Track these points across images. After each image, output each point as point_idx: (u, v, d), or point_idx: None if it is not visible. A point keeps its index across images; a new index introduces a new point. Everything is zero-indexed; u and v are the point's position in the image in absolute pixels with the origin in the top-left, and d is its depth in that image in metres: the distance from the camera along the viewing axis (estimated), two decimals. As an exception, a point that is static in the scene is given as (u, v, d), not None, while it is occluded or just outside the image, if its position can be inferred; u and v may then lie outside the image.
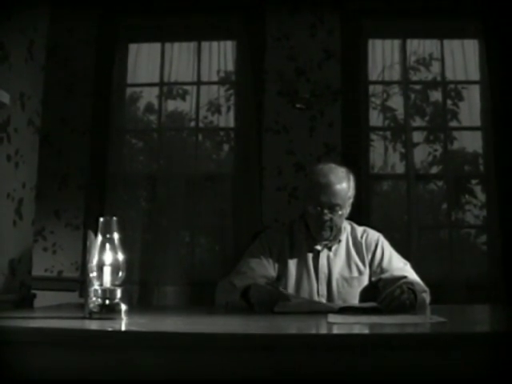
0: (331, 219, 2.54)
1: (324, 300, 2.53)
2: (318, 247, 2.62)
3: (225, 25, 4.44)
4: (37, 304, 3.26)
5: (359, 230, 2.71)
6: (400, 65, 4.35)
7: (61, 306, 2.43)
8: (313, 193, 2.55)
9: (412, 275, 2.55)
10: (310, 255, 2.62)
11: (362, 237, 2.68)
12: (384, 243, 2.67)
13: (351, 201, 2.62)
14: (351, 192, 2.60)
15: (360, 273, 2.61)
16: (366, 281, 2.60)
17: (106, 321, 1.80)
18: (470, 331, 1.77)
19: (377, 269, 2.60)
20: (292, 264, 2.61)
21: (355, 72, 4.29)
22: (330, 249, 2.63)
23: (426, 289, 2.49)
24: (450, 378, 1.51)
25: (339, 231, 2.64)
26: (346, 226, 2.70)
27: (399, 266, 2.60)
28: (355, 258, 2.63)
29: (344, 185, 2.56)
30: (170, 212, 4.36)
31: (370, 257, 2.63)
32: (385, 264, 2.60)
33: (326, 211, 2.53)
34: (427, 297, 2.47)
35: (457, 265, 4.08)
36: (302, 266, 2.60)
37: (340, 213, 2.55)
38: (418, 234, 4.15)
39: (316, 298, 2.54)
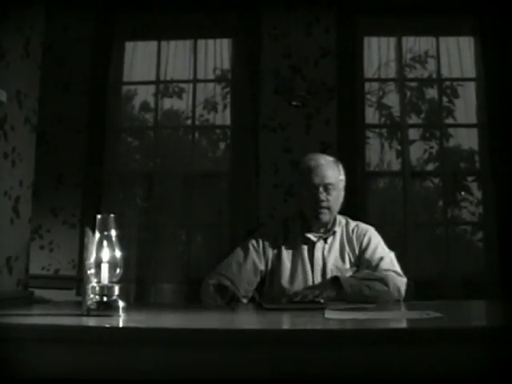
0: (327, 199, 2.61)
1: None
2: (314, 238, 2.65)
3: (221, 23, 4.42)
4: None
5: (352, 224, 2.77)
6: (396, 62, 4.35)
7: (58, 304, 2.42)
8: (305, 177, 2.64)
9: (389, 265, 2.61)
10: (305, 247, 2.66)
11: (353, 230, 2.74)
12: (372, 235, 2.72)
13: (343, 185, 2.71)
14: (342, 176, 2.71)
15: (352, 264, 2.66)
16: None
17: (104, 318, 1.80)
18: (467, 326, 1.78)
19: (362, 258, 2.66)
20: (286, 256, 2.65)
21: (351, 69, 4.30)
22: (325, 241, 2.66)
23: (388, 279, 2.52)
24: (447, 372, 1.51)
25: (335, 220, 2.70)
26: (341, 220, 2.76)
27: (379, 256, 2.64)
28: (348, 251, 2.69)
29: (334, 167, 2.68)
30: (167, 210, 4.36)
31: (358, 248, 2.69)
32: (367, 254, 2.66)
33: (321, 190, 2.60)
34: (381, 286, 2.49)
35: (453, 261, 4.09)
36: (297, 257, 2.64)
37: (334, 194, 2.63)
38: (414, 232, 4.16)
39: None
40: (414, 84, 4.50)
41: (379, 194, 4.54)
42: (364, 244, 2.68)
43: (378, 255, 2.65)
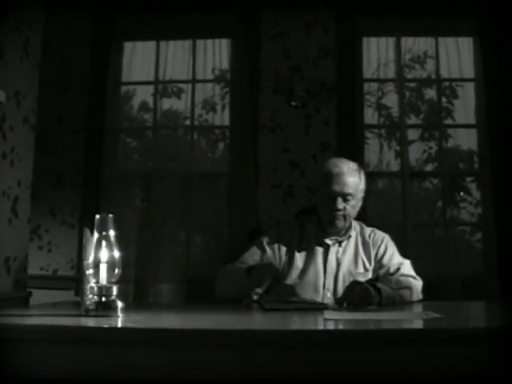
0: (345, 208, 2.62)
1: (329, 294, 2.58)
2: (329, 241, 2.67)
3: (220, 23, 4.42)
4: (32, 303, 3.25)
5: (368, 230, 2.79)
6: (395, 63, 4.35)
7: (57, 304, 2.42)
8: (325, 183, 2.62)
9: (409, 271, 2.63)
10: (320, 249, 2.68)
11: (369, 236, 2.75)
12: (389, 242, 2.75)
13: (362, 195, 2.71)
14: (362, 186, 2.70)
15: (366, 270, 2.67)
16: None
17: (103, 318, 1.80)
18: (466, 327, 1.78)
19: (377, 264, 2.67)
20: (299, 256, 2.66)
21: (350, 70, 4.29)
22: (340, 244, 2.68)
23: (412, 285, 2.54)
24: (446, 373, 1.51)
25: (350, 225, 2.71)
26: (356, 226, 2.77)
27: (397, 261, 2.67)
28: (362, 256, 2.69)
29: (355, 176, 2.65)
30: (166, 210, 4.36)
31: (374, 254, 2.70)
32: (385, 260, 2.67)
33: (339, 200, 2.59)
34: (409, 293, 2.52)
35: (452, 262, 4.09)
36: (310, 258, 2.65)
37: (353, 203, 2.63)
38: (413, 232, 4.15)
39: (321, 291, 2.59)
40: (413, 84, 4.50)
41: (378, 195, 4.53)
42: (381, 251, 2.69)
43: (396, 261, 2.67)
